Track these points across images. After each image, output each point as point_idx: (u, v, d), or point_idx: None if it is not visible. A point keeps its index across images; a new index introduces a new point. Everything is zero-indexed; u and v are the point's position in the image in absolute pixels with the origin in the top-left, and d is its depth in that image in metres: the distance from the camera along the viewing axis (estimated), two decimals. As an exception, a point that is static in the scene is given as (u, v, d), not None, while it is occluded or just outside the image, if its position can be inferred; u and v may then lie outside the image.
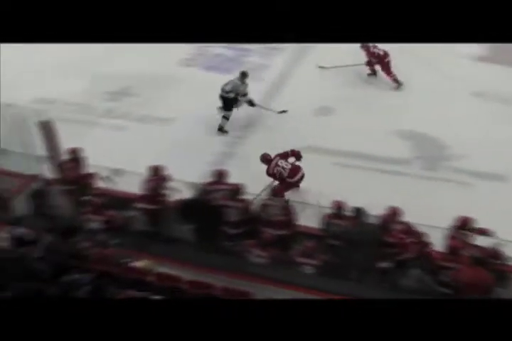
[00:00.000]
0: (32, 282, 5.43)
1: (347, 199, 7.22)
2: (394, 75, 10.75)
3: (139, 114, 10.43)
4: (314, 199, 7.70)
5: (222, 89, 9.79)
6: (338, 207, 7.12)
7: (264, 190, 8.05)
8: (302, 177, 8.33)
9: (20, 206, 7.59)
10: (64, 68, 11.23)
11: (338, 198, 7.24)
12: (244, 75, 9.99)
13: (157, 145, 9.43)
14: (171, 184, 7.86)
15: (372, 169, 9.02)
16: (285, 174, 8.19)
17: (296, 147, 8.56)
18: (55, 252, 5.97)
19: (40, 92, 10.56)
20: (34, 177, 7.78)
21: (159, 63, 11.56)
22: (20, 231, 6.26)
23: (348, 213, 7.07)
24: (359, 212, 6.92)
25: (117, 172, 7.94)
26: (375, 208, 7.04)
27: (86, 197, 7.54)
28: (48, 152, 8.23)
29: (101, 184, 8.01)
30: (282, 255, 6.88)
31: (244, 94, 10.00)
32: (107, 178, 7.73)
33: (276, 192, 7.80)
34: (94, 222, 7.18)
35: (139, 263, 6.30)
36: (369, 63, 10.94)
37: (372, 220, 6.95)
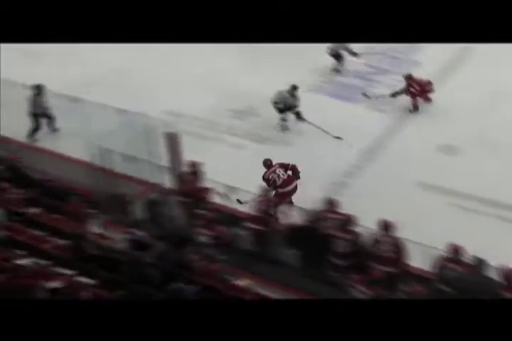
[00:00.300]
0: (142, 285, 5.63)
1: (462, 243, 6.88)
2: (418, 102, 11.01)
3: (260, 134, 10.62)
4: (425, 239, 7.41)
5: (273, 100, 10.45)
6: (455, 251, 6.75)
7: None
8: (294, 189, 8.47)
9: (139, 211, 7.92)
10: (196, 83, 11.71)
11: (453, 241, 6.91)
12: (294, 88, 10.46)
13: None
14: (281, 207, 7.91)
15: (492, 215, 8.58)
16: (278, 182, 8.52)
17: (412, 183, 8.35)
18: (166, 260, 6.15)
19: (170, 105, 11.04)
20: (154, 186, 8.12)
21: (286, 86, 11.72)
22: (140, 234, 6.50)
23: (465, 259, 6.69)
24: (480, 261, 6.51)
25: (232, 189, 8.11)
26: (493, 258, 6.64)
27: (200, 211, 7.74)
28: (170, 163, 8.59)
29: (215, 199, 8.21)
30: (387, 294, 6.64)
31: (293, 107, 10.39)
32: (224, 195, 7.89)
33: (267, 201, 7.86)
34: (204, 236, 7.33)
35: (241, 282, 6.34)
36: (405, 92, 11.05)
37: (492, 273, 6.51)
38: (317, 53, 11.93)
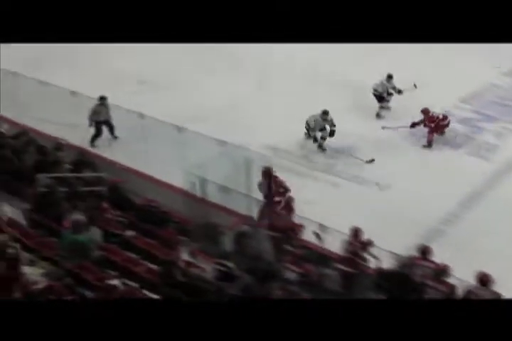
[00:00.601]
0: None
1: None
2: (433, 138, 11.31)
3: (355, 174, 10.53)
4: None
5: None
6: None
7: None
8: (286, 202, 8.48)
9: (229, 242, 8.01)
10: (298, 120, 11.88)
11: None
12: (325, 113, 11.09)
13: (366, 208, 9.39)
14: (372, 250, 7.72)
15: None
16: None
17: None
18: (250, 294, 6.14)
19: (270, 139, 11.23)
20: (247, 218, 8.20)
21: (386, 129, 11.67)
22: (228, 265, 6.55)
23: None
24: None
25: (324, 228, 8.03)
26: None
27: (289, 247, 7.71)
28: (264, 196, 8.66)
29: (306, 236, 8.16)
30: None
31: (322, 129, 11.13)
32: (317, 234, 7.82)
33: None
34: (291, 273, 7.27)
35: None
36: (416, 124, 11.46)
37: None
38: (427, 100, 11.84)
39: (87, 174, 9.35)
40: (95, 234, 6.95)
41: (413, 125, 11.51)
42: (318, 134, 11.32)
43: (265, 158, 8.92)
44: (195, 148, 9.41)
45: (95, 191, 8.62)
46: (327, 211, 9.00)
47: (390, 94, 12.54)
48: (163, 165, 9.71)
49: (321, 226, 8.04)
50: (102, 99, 11.36)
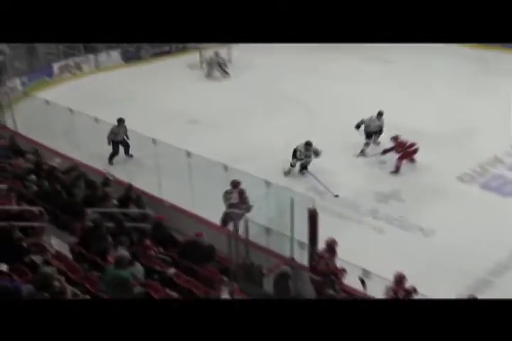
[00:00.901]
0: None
1: None
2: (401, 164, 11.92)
3: (401, 220, 10.37)
4: None
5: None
6: None
7: None
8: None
9: (269, 283, 7.94)
10: (346, 166, 11.94)
11: None
12: (308, 145, 11.60)
13: (410, 254, 9.20)
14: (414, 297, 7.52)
15: None
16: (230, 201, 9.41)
17: None
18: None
19: (315, 182, 11.23)
20: (288, 260, 8.13)
21: (436, 173, 11.55)
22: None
23: None
24: None
25: (367, 273, 7.88)
26: None
27: (330, 291, 7.59)
28: (308, 239, 8.60)
29: (347, 281, 8.02)
30: None
31: (306, 157, 11.70)
32: (361, 280, 7.68)
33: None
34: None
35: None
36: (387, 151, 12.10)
37: None
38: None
39: (133, 210, 9.51)
40: (138, 270, 7.01)
41: (384, 152, 12.17)
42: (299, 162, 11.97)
43: (311, 200, 8.88)
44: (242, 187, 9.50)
45: (140, 227, 8.75)
46: (370, 255, 8.85)
47: (379, 132, 13.09)
48: (209, 203, 9.81)
49: (364, 272, 7.89)
50: (120, 121, 12.49)
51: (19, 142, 12.30)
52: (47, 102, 13.08)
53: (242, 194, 9.51)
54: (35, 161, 10.66)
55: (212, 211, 9.55)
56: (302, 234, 8.60)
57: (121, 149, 12.70)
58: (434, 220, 10.15)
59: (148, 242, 8.04)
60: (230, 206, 9.41)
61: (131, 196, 9.75)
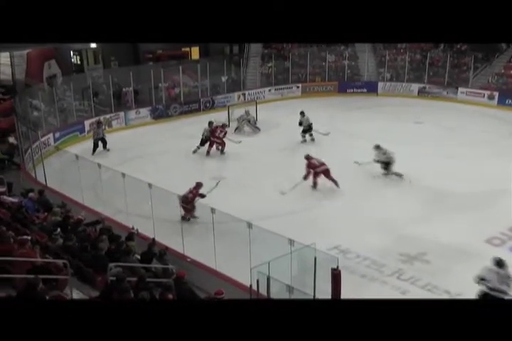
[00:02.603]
0: None
1: None
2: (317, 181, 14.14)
3: (426, 282, 10.15)
4: None
5: None
6: None
7: None
8: None
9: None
10: (372, 224, 11.85)
11: None
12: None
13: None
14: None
15: None
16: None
17: None
18: None
19: (341, 241, 11.20)
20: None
21: (464, 235, 11.38)
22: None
23: None
24: None
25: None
26: None
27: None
28: (331, 298, 8.45)
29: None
30: None
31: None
32: None
33: None
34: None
35: None
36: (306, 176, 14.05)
37: None
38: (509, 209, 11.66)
39: (155, 265, 9.50)
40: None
41: (305, 177, 14.00)
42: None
43: (334, 259, 8.79)
44: (264, 245, 9.45)
45: (161, 283, 8.71)
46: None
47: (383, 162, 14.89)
48: (231, 260, 9.76)
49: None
50: (99, 123, 18.84)
51: (48, 195, 12.53)
52: (76, 157, 13.42)
53: None
54: (62, 214, 10.81)
55: (235, 268, 9.50)
56: (325, 293, 8.47)
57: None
58: (461, 283, 9.89)
59: (169, 297, 7.99)
60: None
61: (154, 251, 9.77)
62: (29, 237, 8.73)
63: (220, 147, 17.56)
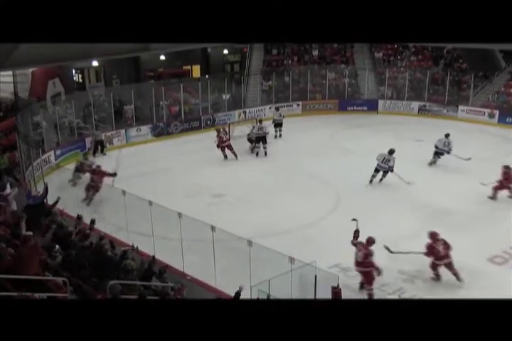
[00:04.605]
0: None
1: None
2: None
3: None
4: None
5: None
6: None
7: None
8: None
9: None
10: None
11: None
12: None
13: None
14: None
15: None
16: None
17: None
18: None
19: (341, 259, 11.14)
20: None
21: (466, 254, 11.31)
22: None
23: None
24: None
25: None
26: None
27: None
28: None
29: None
30: None
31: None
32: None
33: None
34: None
35: None
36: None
37: None
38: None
39: (155, 283, 9.45)
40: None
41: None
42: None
43: (335, 278, 8.75)
44: (264, 263, 9.41)
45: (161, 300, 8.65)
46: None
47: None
48: (231, 278, 9.71)
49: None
50: (97, 126, 20.46)
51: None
52: (79, 177, 13.45)
53: None
54: (62, 232, 10.76)
55: (234, 286, 9.44)
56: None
57: None
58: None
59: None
60: None
61: (153, 268, 9.72)
62: (31, 233, 8.80)
63: (232, 151, 18.59)
